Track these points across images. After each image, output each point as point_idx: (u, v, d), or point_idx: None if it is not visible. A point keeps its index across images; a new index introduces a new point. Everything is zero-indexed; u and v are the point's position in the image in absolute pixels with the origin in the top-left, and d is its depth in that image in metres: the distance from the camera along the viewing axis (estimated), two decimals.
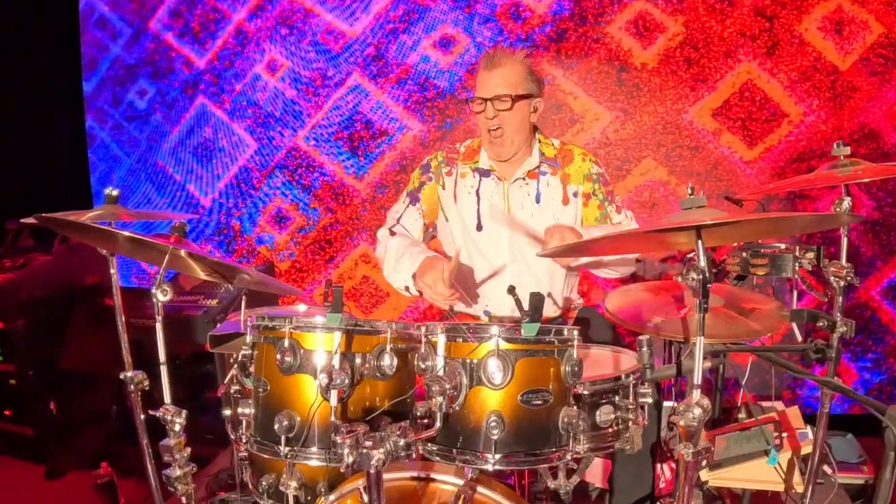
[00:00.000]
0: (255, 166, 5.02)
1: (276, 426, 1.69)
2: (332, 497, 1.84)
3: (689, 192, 1.69)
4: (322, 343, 1.75)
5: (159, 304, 1.91)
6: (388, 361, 1.76)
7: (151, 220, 4.37)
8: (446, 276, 2.36)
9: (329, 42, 4.79)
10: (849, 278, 2.26)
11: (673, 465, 2.66)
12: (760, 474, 2.52)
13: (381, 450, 1.48)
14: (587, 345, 2.32)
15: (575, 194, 2.72)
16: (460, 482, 1.81)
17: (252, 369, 1.88)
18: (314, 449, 1.73)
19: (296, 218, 4.98)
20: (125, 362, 2.38)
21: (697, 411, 1.56)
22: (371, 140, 4.77)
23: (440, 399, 1.61)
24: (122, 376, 2.37)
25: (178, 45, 5.11)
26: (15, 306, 3.91)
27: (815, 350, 2.24)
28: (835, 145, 2.31)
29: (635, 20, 4.33)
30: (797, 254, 2.48)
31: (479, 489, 1.79)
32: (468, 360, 1.66)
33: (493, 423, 1.62)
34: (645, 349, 1.82)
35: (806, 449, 2.52)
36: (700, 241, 1.60)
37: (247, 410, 1.84)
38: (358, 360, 1.74)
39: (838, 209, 2.27)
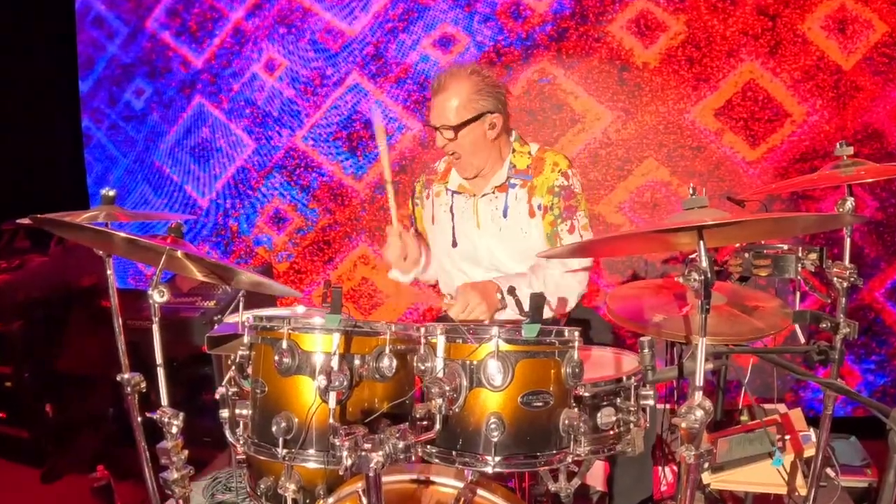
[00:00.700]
0: (253, 167, 5.01)
1: (273, 428, 1.67)
2: (330, 500, 1.84)
3: (691, 192, 1.68)
4: (320, 344, 1.73)
5: (156, 305, 1.90)
6: (388, 363, 1.74)
7: (148, 221, 4.36)
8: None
9: (328, 41, 4.78)
10: (852, 279, 2.24)
11: (674, 467, 2.65)
12: (763, 477, 2.51)
13: (380, 452, 1.47)
14: (588, 346, 2.31)
15: (539, 206, 2.65)
16: (460, 485, 1.81)
17: (250, 371, 1.86)
18: (312, 451, 1.70)
19: (294, 219, 4.97)
20: (122, 364, 2.37)
21: (699, 413, 1.54)
22: (370, 140, 4.75)
23: (440, 401, 1.60)
24: (118, 378, 2.35)
25: (176, 44, 5.09)
26: (11, 308, 3.90)
27: (818, 352, 2.23)
28: (838, 145, 2.30)
29: (637, 19, 4.32)
30: (800, 255, 2.46)
31: (479, 492, 1.79)
32: (468, 362, 1.64)
33: (493, 425, 1.60)
34: (646, 350, 1.82)
35: (809, 451, 2.51)
36: (702, 242, 1.59)
37: (244, 412, 1.82)
38: (357, 362, 1.72)
39: (841, 210, 2.25)
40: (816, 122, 4.18)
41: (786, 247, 2.54)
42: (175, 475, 1.95)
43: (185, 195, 5.18)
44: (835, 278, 2.26)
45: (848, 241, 2.30)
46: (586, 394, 1.77)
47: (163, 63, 5.13)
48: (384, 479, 1.54)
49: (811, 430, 2.63)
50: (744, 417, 3.04)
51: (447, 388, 1.61)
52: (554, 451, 1.67)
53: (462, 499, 1.75)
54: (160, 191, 5.24)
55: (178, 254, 2.00)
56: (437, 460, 1.69)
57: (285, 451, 1.69)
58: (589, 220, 2.71)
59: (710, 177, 4.31)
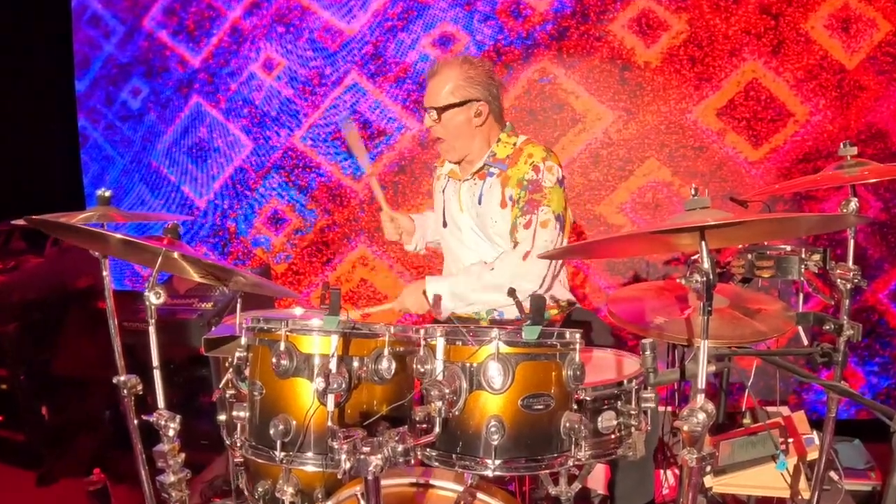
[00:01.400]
0: (251, 167, 4.99)
1: (271, 431, 1.66)
2: (329, 503, 1.83)
3: (693, 192, 1.68)
4: (319, 346, 1.72)
5: (153, 307, 1.90)
6: (387, 365, 1.72)
7: (145, 222, 4.34)
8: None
9: (326, 40, 4.76)
10: (856, 281, 2.23)
11: (676, 470, 2.64)
12: (766, 480, 2.51)
13: (379, 455, 1.47)
14: (589, 348, 2.30)
15: (510, 198, 2.67)
16: (460, 488, 1.81)
17: (247, 373, 1.85)
18: (310, 454, 1.69)
19: (292, 219, 4.95)
20: (118, 366, 2.36)
21: (701, 416, 1.54)
22: (369, 140, 4.73)
23: (439, 404, 1.59)
24: (115, 381, 2.34)
25: (173, 43, 5.07)
26: (6, 309, 3.88)
27: (822, 354, 2.23)
28: (841, 145, 2.29)
29: (638, 18, 4.30)
30: (803, 256, 2.46)
31: (479, 495, 1.79)
32: (468, 364, 1.64)
33: (493, 429, 1.60)
34: (648, 353, 1.81)
35: (812, 455, 2.51)
36: (704, 243, 1.58)
37: (242, 415, 1.80)
38: (355, 364, 1.71)
39: (845, 210, 2.24)
40: (819, 122, 4.16)
41: (789, 248, 2.53)
42: (172, 478, 1.96)
43: (182, 196, 5.16)
44: (838, 280, 2.24)
45: (851, 242, 2.29)
46: (587, 397, 1.76)
47: (160, 62, 5.10)
48: (383, 482, 1.54)
49: (814, 432, 2.63)
50: (746, 420, 3.04)
51: (447, 390, 1.60)
52: (555, 455, 1.66)
53: (462, 502, 1.74)
54: (157, 191, 5.21)
55: (175, 255, 2.00)
56: (436, 464, 1.68)
57: (283, 454, 1.68)
58: (557, 217, 2.63)
59: (713, 177, 4.29)
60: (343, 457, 1.46)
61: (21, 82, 4.97)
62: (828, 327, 2.21)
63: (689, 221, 1.57)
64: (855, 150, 2.27)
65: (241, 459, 2.19)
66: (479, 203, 2.73)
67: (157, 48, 5.10)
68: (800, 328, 2.36)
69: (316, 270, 4.94)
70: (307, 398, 1.69)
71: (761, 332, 2.16)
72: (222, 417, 1.89)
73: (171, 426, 1.92)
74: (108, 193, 2.34)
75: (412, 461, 1.62)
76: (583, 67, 4.39)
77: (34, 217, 1.97)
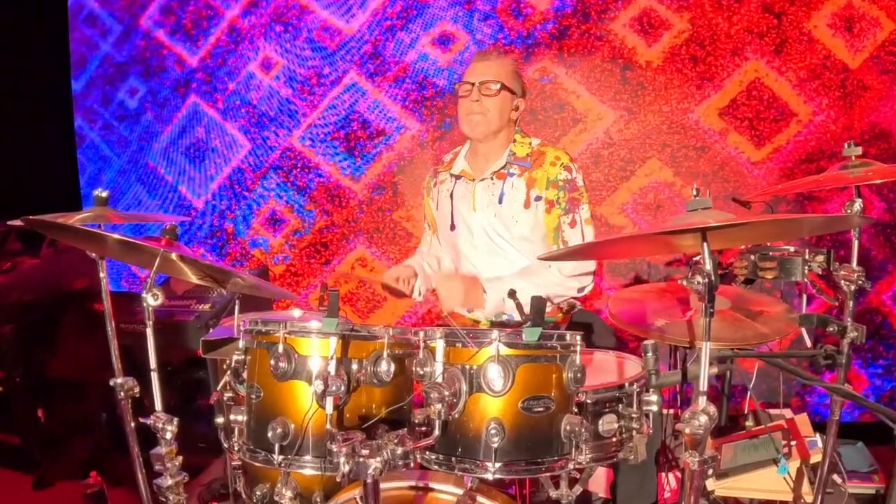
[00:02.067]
0: (249, 167, 4.97)
1: (269, 434, 1.66)
2: None
3: (695, 193, 1.67)
4: (317, 348, 1.71)
5: (150, 308, 1.90)
6: (386, 367, 1.72)
7: (142, 223, 4.32)
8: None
9: (325, 39, 4.75)
10: (860, 282, 2.22)
11: (678, 473, 2.62)
12: (768, 484, 2.50)
13: (378, 458, 1.47)
14: (590, 350, 2.29)
15: (538, 199, 2.71)
16: (460, 491, 1.80)
17: (245, 375, 1.85)
18: (309, 457, 1.68)
19: (290, 220, 4.93)
20: (115, 368, 2.37)
21: (703, 419, 1.54)
22: (368, 140, 4.73)
23: (439, 406, 1.59)
24: (111, 383, 2.35)
25: (170, 42, 5.05)
26: (2, 311, 3.87)
27: (825, 356, 2.21)
28: (845, 145, 2.29)
29: (640, 17, 4.29)
30: (806, 257, 2.46)
31: (479, 498, 1.78)
32: (467, 366, 1.64)
33: (493, 431, 1.59)
34: (650, 355, 1.80)
35: (815, 457, 2.51)
36: (706, 244, 1.58)
37: (240, 418, 1.80)
38: (354, 367, 1.70)
39: (849, 211, 2.24)
40: (823, 122, 4.14)
41: (792, 249, 2.53)
42: (169, 482, 1.95)
43: (179, 196, 5.14)
44: (842, 281, 2.24)
45: (856, 243, 2.28)
46: (588, 400, 1.76)
47: (157, 62, 5.09)
48: (382, 485, 1.54)
49: (817, 435, 2.63)
50: (749, 423, 3.03)
51: (446, 393, 1.60)
52: (555, 458, 1.66)
53: None
54: (154, 192, 5.20)
55: (173, 256, 2.00)
56: (436, 467, 1.68)
57: (281, 457, 1.68)
58: (591, 214, 2.79)
59: (715, 177, 4.28)
60: (342, 460, 1.45)
61: (17, 82, 4.96)
62: (831, 329, 2.20)
63: (690, 222, 1.57)
64: (859, 151, 2.26)
65: (239, 463, 2.18)
66: (500, 202, 2.74)
67: (154, 47, 5.08)
68: (803, 330, 2.36)
69: (314, 272, 4.92)
70: (306, 401, 1.69)
71: (764, 333, 2.17)
72: (220, 420, 1.90)
73: (169, 429, 1.91)
74: (104, 194, 2.36)
75: (411, 464, 1.60)
76: (584, 67, 4.38)
77: (31, 218, 1.96)
